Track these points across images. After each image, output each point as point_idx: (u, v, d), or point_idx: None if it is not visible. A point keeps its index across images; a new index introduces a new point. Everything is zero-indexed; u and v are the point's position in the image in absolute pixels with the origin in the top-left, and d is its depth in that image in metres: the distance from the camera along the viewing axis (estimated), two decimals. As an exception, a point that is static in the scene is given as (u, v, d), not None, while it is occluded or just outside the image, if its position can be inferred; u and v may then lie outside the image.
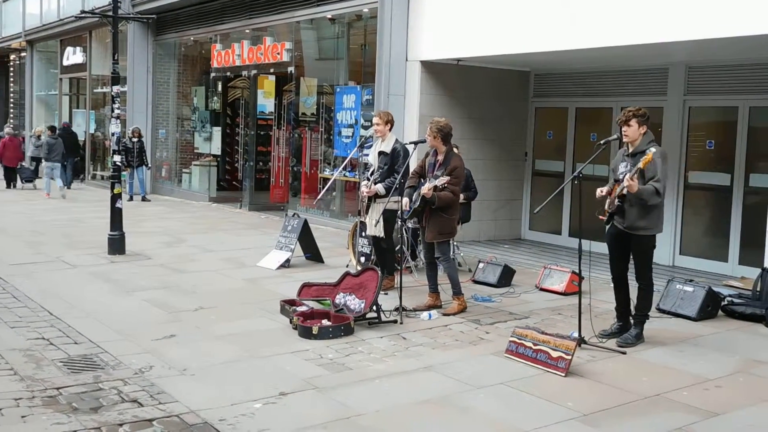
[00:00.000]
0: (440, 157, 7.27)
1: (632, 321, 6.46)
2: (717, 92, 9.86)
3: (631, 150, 6.25)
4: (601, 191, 6.27)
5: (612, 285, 6.57)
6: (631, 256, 6.41)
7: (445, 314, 7.18)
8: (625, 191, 6.02)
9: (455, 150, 7.55)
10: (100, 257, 9.73)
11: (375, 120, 8.12)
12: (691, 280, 7.66)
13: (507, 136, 12.05)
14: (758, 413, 4.94)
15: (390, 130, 8.05)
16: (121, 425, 4.40)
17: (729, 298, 7.50)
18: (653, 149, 6.04)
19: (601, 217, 6.35)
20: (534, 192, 12.26)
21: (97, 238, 10.55)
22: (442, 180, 7.03)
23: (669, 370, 5.75)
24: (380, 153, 8.02)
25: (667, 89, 10.27)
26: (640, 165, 5.86)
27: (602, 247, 9.87)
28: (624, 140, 6.24)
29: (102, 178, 20.78)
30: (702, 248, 10.14)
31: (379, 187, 7.88)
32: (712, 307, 7.30)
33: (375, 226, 7.86)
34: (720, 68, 9.73)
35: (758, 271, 7.70)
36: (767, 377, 5.64)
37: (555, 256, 10.48)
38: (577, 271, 6.38)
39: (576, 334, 6.13)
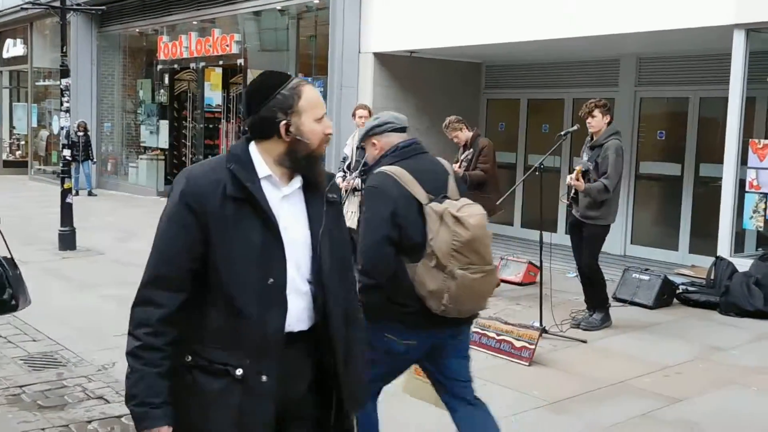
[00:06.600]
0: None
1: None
2: (668, 83, 10.02)
3: (593, 141, 6.41)
4: (570, 177, 6.52)
5: (577, 276, 6.69)
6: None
7: None
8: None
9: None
10: (52, 253, 9.46)
11: (362, 112, 7.75)
12: (646, 269, 7.82)
13: (460, 128, 12.08)
14: (720, 398, 5.06)
15: None
16: (89, 422, 4.31)
17: (683, 286, 7.69)
18: (611, 142, 6.27)
19: (565, 201, 6.65)
20: (487, 183, 12.32)
21: (46, 234, 10.24)
22: None
23: (630, 357, 5.86)
24: (359, 147, 8.04)
25: (618, 80, 10.41)
26: (573, 176, 6.16)
27: (557, 238, 9.94)
28: (591, 131, 6.39)
29: (44, 172, 20.19)
30: (653, 237, 10.33)
31: (358, 181, 7.94)
32: (667, 295, 7.46)
33: (350, 219, 7.96)
34: (671, 60, 9.87)
35: (709, 259, 7.89)
36: (725, 363, 5.79)
37: (508, 247, 10.56)
38: (533, 261, 6.46)
39: (537, 324, 6.21)
